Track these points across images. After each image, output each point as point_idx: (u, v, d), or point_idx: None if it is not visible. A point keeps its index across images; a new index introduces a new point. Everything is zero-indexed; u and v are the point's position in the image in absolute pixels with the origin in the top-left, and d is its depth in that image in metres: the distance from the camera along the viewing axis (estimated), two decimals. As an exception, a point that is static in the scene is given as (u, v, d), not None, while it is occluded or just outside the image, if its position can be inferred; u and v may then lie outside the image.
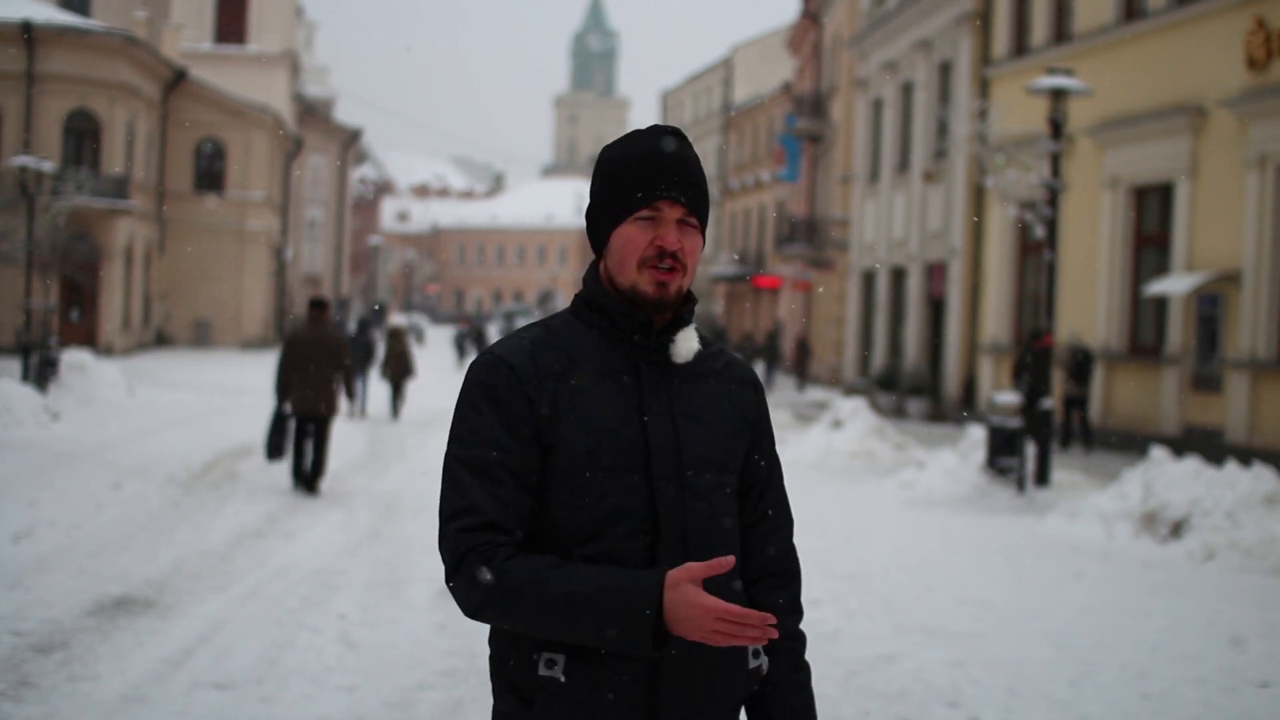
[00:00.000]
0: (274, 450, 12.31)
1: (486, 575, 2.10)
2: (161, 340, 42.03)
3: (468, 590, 2.12)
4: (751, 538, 2.35)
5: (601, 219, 2.27)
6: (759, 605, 2.33)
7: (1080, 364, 19.30)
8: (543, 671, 2.15)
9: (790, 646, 2.35)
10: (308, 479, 12.43)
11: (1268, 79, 17.08)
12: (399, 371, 20.79)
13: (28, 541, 9.27)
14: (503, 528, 2.14)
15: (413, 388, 22.35)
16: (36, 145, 32.34)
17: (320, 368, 12.31)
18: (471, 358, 37.08)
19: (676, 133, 2.27)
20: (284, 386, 12.28)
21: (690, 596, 2.04)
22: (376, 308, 16.11)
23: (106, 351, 33.34)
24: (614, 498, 2.17)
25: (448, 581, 2.16)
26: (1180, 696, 6.35)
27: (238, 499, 11.97)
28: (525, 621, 2.11)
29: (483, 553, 2.11)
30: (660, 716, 2.17)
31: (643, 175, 2.22)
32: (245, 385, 26.61)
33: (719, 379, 2.32)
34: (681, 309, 2.28)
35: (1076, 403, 19.57)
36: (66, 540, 9.44)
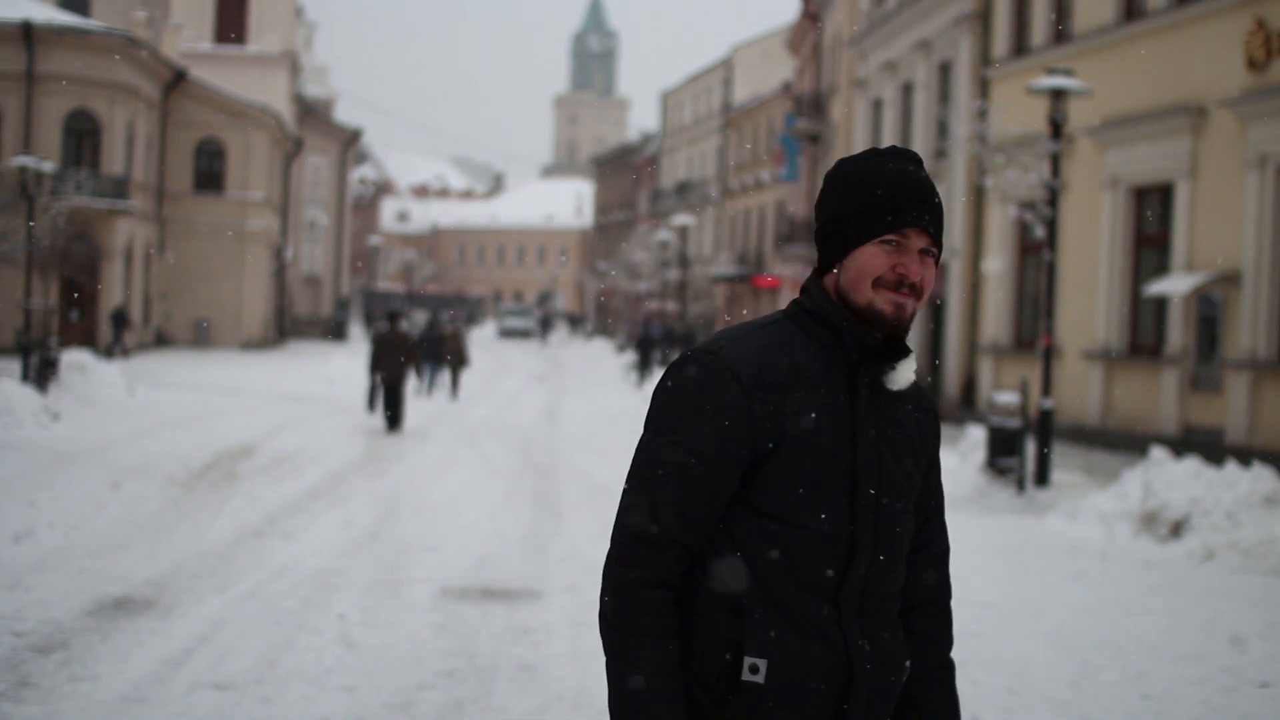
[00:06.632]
0: (372, 406, 19.69)
1: (622, 617, 2.15)
2: (161, 340, 42.01)
3: (614, 604, 2.16)
4: (914, 563, 2.36)
5: (842, 235, 2.23)
6: (915, 631, 2.36)
7: None
8: (746, 676, 2.16)
9: (942, 676, 2.39)
10: (394, 421, 18.82)
11: (1268, 79, 17.07)
12: (457, 362, 27.01)
13: (28, 541, 9.28)
14: (674, 542, 2.15)
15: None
16: (36, 145, 32.36)
17: (396, 355, 18.95)
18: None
19: (919, 159, 2.26)
20: (374, 367, 19.06)
21: None
22: (404, 316, 20.59)
23: (106, 352, 33.31)
24: (819, 518, 2.17)
25: (607, 564, 2.19)
26: (1180, 696, 6.35)
27: (238, 499, 11.97)
28: (610, 672, 2.17)
29: (639, 594, 2.15)
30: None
31: (893, 200, 2.19)
32: (245, 385, 26.61)
33: (913, 404, 2.33)
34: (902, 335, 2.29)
35: None
36: (66, 540, 9.44)
